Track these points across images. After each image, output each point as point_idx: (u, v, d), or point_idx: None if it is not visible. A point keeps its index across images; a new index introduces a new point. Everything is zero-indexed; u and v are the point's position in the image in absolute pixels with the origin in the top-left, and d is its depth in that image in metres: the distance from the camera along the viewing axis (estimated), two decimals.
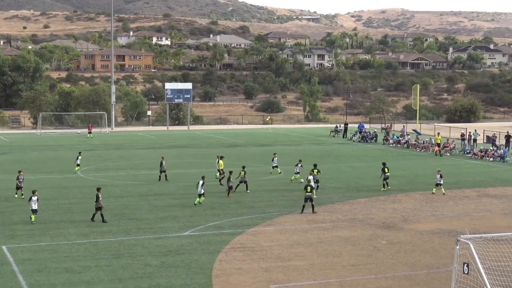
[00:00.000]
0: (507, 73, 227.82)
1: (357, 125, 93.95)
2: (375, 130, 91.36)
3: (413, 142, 78.28)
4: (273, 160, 54.70)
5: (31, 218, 35.71)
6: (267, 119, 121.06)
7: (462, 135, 75.50)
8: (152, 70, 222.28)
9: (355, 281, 26.44)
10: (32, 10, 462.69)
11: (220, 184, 47.96)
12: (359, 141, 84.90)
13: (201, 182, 40.71)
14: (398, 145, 79.20)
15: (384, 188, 46.81)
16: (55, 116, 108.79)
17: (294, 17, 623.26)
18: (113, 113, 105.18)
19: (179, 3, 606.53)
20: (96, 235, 33.49)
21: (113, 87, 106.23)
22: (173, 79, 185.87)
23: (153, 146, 78.68)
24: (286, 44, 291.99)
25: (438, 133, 74.82)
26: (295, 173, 48.58)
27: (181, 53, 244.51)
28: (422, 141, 77.82)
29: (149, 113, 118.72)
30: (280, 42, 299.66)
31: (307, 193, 38.64)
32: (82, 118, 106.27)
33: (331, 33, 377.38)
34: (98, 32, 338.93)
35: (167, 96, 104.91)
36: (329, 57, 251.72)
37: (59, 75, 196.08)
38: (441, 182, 44.94)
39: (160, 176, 50.77)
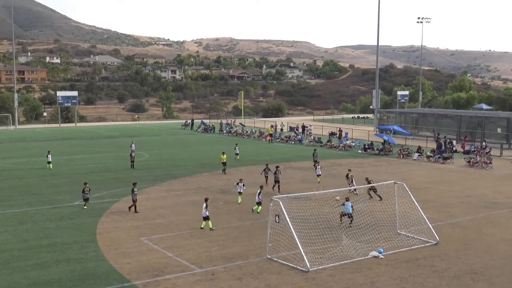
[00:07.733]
0: (302, 83, 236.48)
1: (200, 120, 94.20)
2: (213, 124, 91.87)
3: (240, 132, 79.63)
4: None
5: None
6: (135, 117, 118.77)
7: (272, 126, 77.21)
8: (46, 81, 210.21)
9: (201, 231, 26.61)
10: None
11: (224, 173, 43.44)
12: (202, 132, 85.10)
13: (259, 191, 30.98)
14: (230, 134, 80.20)
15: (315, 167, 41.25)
16: None
17: (153, 42, 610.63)
18: (16, 114, 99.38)
19: (67, 32, 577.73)
20: (5, 207, 31.52)
21: (16, 95, 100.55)
22: (63, 88, 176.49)
23: (49, 139, 74.84)
24: (148, 62, 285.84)
25: (272, 126, 74.92)
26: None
27: (69, 69, 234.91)
28: (246, 131, 79.33)
29: (45, 114, 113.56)
30: (144, 61, 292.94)
31: None
32: None
33: (180, 55, 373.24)
34: (2, 53, 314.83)
35: (59, 101, 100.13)
36: (179, 72, 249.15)
37: None
38: (319, 173, 39.73)
39: (131, 164, 46.53)
